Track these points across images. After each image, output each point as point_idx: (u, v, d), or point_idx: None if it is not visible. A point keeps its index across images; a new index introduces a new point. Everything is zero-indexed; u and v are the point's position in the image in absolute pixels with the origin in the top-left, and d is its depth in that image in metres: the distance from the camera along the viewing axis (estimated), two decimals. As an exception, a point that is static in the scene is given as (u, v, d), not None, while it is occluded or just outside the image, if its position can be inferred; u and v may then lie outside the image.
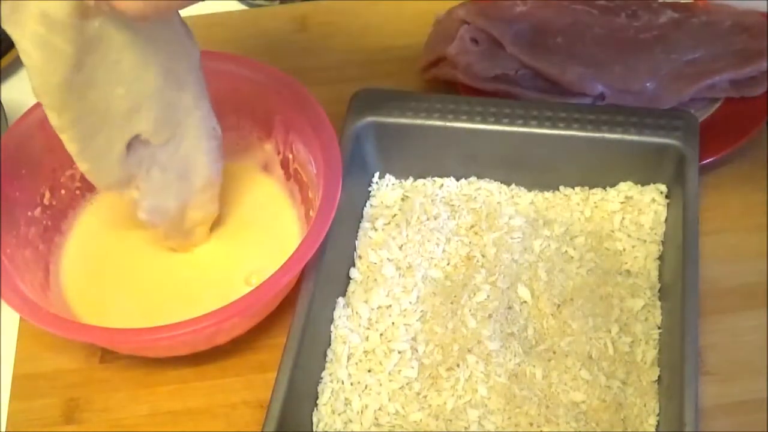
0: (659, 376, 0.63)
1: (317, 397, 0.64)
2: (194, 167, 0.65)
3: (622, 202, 0.71)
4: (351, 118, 0.72)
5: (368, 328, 0.66)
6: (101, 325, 0.63)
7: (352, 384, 0.64)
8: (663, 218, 0.70)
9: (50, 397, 0.67)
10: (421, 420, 0.62)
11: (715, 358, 0.65)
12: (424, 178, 0.74)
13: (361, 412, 0.63)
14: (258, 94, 0.71)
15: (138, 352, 0.67)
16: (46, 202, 0.71)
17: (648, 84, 0.76)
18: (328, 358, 0.65)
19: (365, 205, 0.73)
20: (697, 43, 0.79)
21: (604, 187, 0.72)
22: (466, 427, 0.61)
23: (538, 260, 0.68)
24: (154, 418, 0.65)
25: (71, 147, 0.58)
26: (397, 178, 0.74)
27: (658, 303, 0.66)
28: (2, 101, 0.80)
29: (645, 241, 0.69)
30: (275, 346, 0.65)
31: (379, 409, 0.63)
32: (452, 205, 0.72)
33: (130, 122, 0.59)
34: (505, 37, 0.78)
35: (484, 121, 0.71)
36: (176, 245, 0.70)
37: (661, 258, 0.68)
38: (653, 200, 0.71)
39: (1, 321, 0.70)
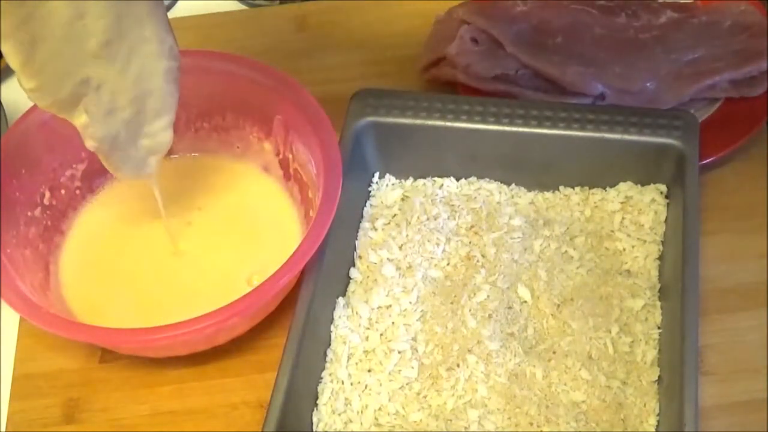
0: (659, 376, 0.63)
1: (317, 397, 0.64)
2: (149, 90, 0.62)
3: (622, 202, 0.71)
4: (351, 118, 0.72)
5: (368, 328, 0.66)
6: (101, 325, 0.63)
7: (352, 384, 0.64)
8: (663, 218, 0.70)
9: (50, 397, 0.67)
10: (421, 420, 0.62)
11: (715, 358, 0.65)
12: (424, 178, 0.74)
13: (361, 412, 0.63)
14: (258, 94, 0.71)
15: (138, 352, 0.67)
16: (46, 202, 0.71)
17: (648, 84, 0.76)
18: (328, 358, 0.65)
19: (365, 205, 0.73)
20: (697, 43, 0.79)
21: (604, 187, 0.72)
22: (466, 427, 0.61)
23: (538, 260, 0.68)
24: (154, 418, 0.65)
25: (15, 59, 0.55)
26: (397, 178, 0.74)
27: (658, 303, 0.66)
28: (2, 101, 0.80)
29: (645, 241, 0.69)
30: (275, 346, 0.65)
31: (379, 409, 0.63)
32: (452, 205, 0.72)
33: (76, 30, 0.56)
34: (505, 37, 0.78)
35: (484, 121, 0.71)
36: (128, 176, 0.66)
37: (661, 258, 0.68)
38: (653, 200, 0.71)
39: (1, 321, 0.70)
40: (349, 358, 0.65)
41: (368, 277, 0.69)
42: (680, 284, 0.63)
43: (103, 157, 0.64)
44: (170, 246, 0.71)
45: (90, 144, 0.62)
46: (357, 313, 0.66)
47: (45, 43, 0.55)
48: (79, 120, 0.60)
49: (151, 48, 0.60)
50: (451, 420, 0.62)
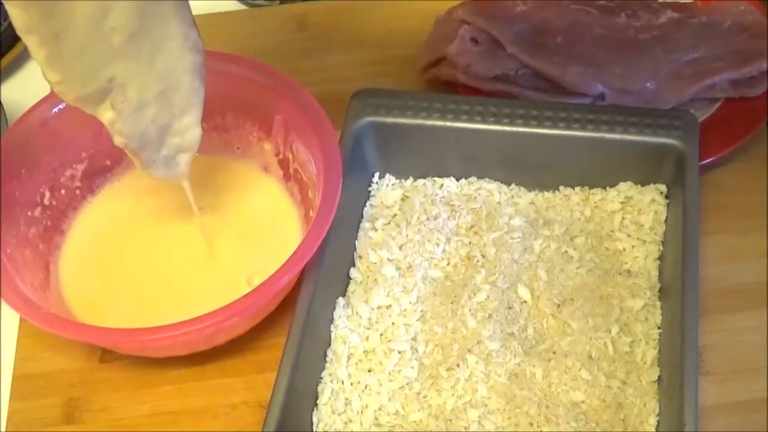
0: (659, 376, 0.63)
1: (317, 397, 0.64)
2: (175, 85, 0.61)
3: (622, 202, 0.71)
4: (351, 118, 0.72)
5: (368, 328, 0.66)
6: (101, 325, 0.63)
7: (352, 384, 0.64)
8: (663, 218, 0.70)
9: (50, 397, 0.67)
10: (421, 420, 0.62)
11: (715, 358, 0.65)
12: (424, 178, 0.74)
13: (361, 412, 0.63)
14: (258, 94, 0.71)
15: (138, 352, 0.67)
16: (46, 202, 0.71)
17: (648, 84, 0.76)
18: (328, 358, 0.65)
19: (365, 205, 0.73)
20: (697, 43, 0.79)
21: (604, 187, 0.72)
22: (466, 427, 0.61)
23: (538, 260, 0.68)
24: (154, 418, 0.65)
25: (39, 53, 0.55)
26: (397, 178, 0.74)
27: (658, 303, 0.66)
28: (2, 101, 0.80)
29: (645, 241, 0.69)
30: (275, 346, 0.66)
31: (379, 409, 0.63)
32: (452, 205, 0.72)
33: (100, 24, 0.56)
34: (505, 37, 0.78)
35: (484, 121, 0.71)
36: (159, 176, 0.66)
37: (661, 258, 0.68)
38: (653, 200, 0.71)
39: (1, 321, 0.70)
40: (349, 358, 0.65)
41: (368, 277, 0.69)
42: (680, 284, 0.63)
43: (132, 155, 0.63)
44: (170, 246, 0.71)
45: (118, 140, 0.61)
46: (357, 313, 0.67)
47: (69, 37, 0.55)
48: (106, 116, 0.60)
49: (176, 43, 0.60)
50: (451, 420, 0.62)
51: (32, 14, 0.53)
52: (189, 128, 0.64)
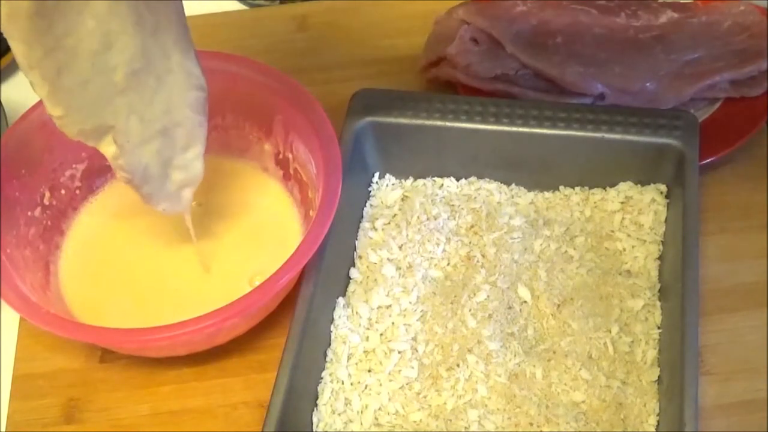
0: (659, 376, 0.63)
1: (317, 397, 0.64)
2: (177, 121, 0.62)
3: (622, 202, 0.71)
4: (351, 118, 0.72)
5: (368, 328, 0.66)
6: (101, 325, 0.63)
7: (352, 384, 0.64)
8: (663, 218, 0.70)
9: (50, 397, 0.67)
10: (421, 420, 0.62)
11: (715, 358, 0.65)
12: (424, 178, 0.74)
13: (361, 412, 0.63)
14: (258, 94, 0.71)
15: (138, 352, 0.67)
16: (46, 202, 0.71)
17: (648, 84, 0.77)
18: (328, 358, 0.65)
19: (365, 205, 0.73)
20: (697, 43, 0.79)
21: (604, 187, 0.72)
22: (466, 427, 0.61)
23: (538, 260, 0.68)
24: (154, 418, 0.65)
25: (41, 88, 0.55)
26: (397, 178, 0.74)
27: (658, 303, 0.66)
28: (2, 101, 0.80)
29: (645, 241, 0.69)
30: (275, 346, 0.66)
31: (379, 409, 0.63)
32: (452, 205, 0.72)
33: (103, 60, 0.56)
34: (505, 37, 0.78)
35: (484, 121, 0.71)
36: (162, 209, 0.66)
37: (661, 258, 0.69)
38: (653, 200, 0.71)
39: (1, 321, 0.70)
40: (349, 358, 0.65)
41: (368, 277, 0.69)
42: (680, 284, 0.63)
43: (135, 189, 0.64)
44: (170, 246, 0.71)
45: (121, 176, 0.62)
46: (357, 313, 0.67)
47: (72, 72, 0.56)
48: (109, 150, 0.60)
49: (178, 79, 0.61)
50: (451, 420, 0.62)
51: (36, 50, 0.53)
52: (191, 163, 0.65)
